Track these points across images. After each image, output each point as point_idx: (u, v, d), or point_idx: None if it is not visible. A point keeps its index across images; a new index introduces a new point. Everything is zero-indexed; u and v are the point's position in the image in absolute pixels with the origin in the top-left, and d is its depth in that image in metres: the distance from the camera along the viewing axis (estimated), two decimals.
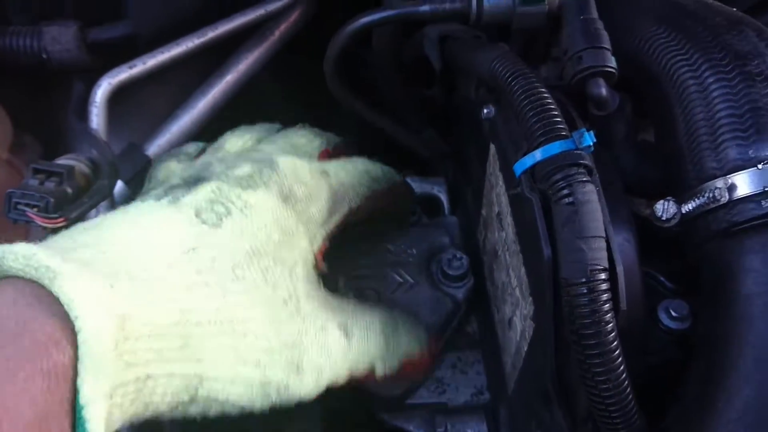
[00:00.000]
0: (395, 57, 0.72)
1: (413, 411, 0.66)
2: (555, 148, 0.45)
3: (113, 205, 0.74)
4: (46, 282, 0.35)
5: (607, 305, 0.42)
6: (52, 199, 0.52)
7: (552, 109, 0.46)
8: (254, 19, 0.78)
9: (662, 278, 0.54)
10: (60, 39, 0.68)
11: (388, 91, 0.77)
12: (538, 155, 0.45)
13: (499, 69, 0.51)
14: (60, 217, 0.52)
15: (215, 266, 0.43)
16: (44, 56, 0.68)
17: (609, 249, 0.43)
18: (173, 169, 0.58)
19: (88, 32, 0.70)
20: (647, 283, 0.51)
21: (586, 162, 0.44)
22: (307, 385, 0.46)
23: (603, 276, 0.42)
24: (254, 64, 0.83)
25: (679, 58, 0.48)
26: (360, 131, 1.06)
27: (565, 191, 0.43)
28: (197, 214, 0.45)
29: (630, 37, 0.52)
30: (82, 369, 0.34)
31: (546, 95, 0.47)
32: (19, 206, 0.52)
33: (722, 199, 0.44)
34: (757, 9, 0.70)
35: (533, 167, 0.46)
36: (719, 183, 0.45)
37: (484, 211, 0.65)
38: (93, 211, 0.73)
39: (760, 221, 0.44)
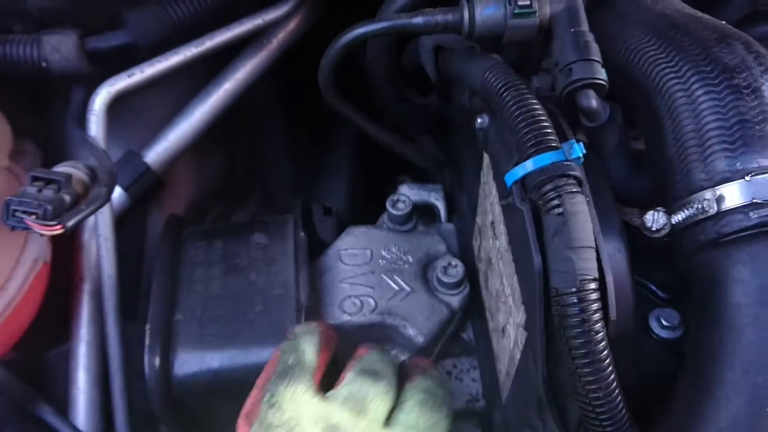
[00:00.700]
0: (389, 67, 0.73)
1: None
2: (545, 159, 0.45)
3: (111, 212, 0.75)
4: None
5: (597, 314, 0.42)
6: (50, 207, 0.53)
7: (542, 121, 0.47)
8: (252, 28, 0.79)
9: (653, 287, 0.55)
10: (60, 48, 0.69)
11: (382, 100, 0.77)
12: (528, 166, 0.46)
13: (491, 80, 0.52)
14: (58, 224, 0.52)
15: None
16: (44, 65, 0.69)
17: (599, 259, 0.43)
18: None
19: (87, 41, 0.70)
20: (638, 292, 0.52)
21: (575, 173, 0.45)
22: None
23: (593, 286, 0.42)
24: (252, 73, 0.83)
25: (668, 70, 0.49)
26: (358, 138, 1.07)
27: (555, 202, 0.44)
28: None
29: (620, 49, 0.53)
30: None
31: (537, 106, 0.48)
32: (18, 213, 0.53)
33: (711, 210, 0.45)
34: (745, 22, 0.71)
35: (524, 178, 0.47)
36: (708, 194, 0.45)
37: (479, 220, 0.66)
38: (91, 219, 0.74)
39: (748, 232, 0.44)
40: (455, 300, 0.69)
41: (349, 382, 0.54)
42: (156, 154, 0.79)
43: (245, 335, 0.63)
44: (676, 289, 0.54)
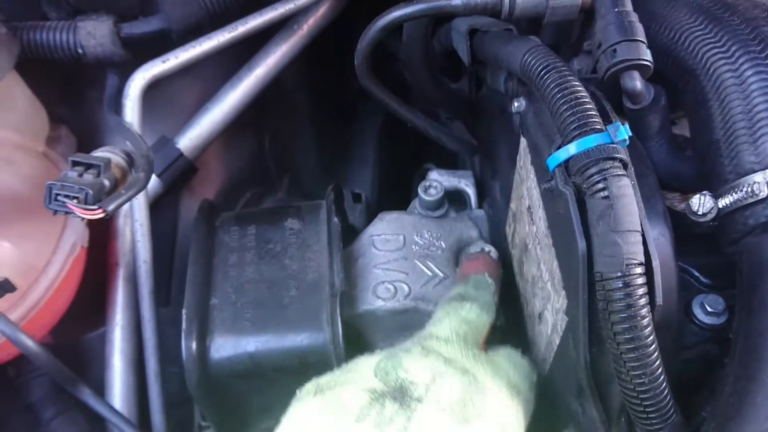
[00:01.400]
0: (425, 51, 0.72)
1: None
2: (590, 141, 0.44)
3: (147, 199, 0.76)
4: None
5: (643, 300, 0.41)
6: (90, 191, 0.53)
7: (586, 103, 0.46)
8: (284, 13, 0.79)
9: (697, 273, 0.54)
10: (95, 34, 0.69)
11: (416, 85, 0.77)
12: (572, 149, 0.45)
13: (531, 62, 0.51)
14: (99, 208, 0.53)
15: None
16: (80, 51, 0.70)
17: (645, 243, 0.43)
18: None
19: (121, 27, 0.71)
20: (681, 278, 0.51)
21: (621, 156, 0.44)
22: None
23: (639, 270, 0.41)
24: (283, 58, 0.83)
25: (716, 50, 0.48)
26: (389, 123, 1.07)
27: (600, 185, 0.43)
28: None
29: (665, 30, 0.52)
30: None
31: (580, 88, 0.47)
32: (60, 198, 0.53)
33: (761, 193, 0.44)
34: None
35: (567, 161, 0.46)
36: (758, 177, 0.44)
37: (513, 205, 0.65)
38: (126, 204, 0.75)
39: None
40: None
41: None
42: (188, 140, 0.80)
43: (280, 320, 0.64)
44: (719, 275, 0.53)
